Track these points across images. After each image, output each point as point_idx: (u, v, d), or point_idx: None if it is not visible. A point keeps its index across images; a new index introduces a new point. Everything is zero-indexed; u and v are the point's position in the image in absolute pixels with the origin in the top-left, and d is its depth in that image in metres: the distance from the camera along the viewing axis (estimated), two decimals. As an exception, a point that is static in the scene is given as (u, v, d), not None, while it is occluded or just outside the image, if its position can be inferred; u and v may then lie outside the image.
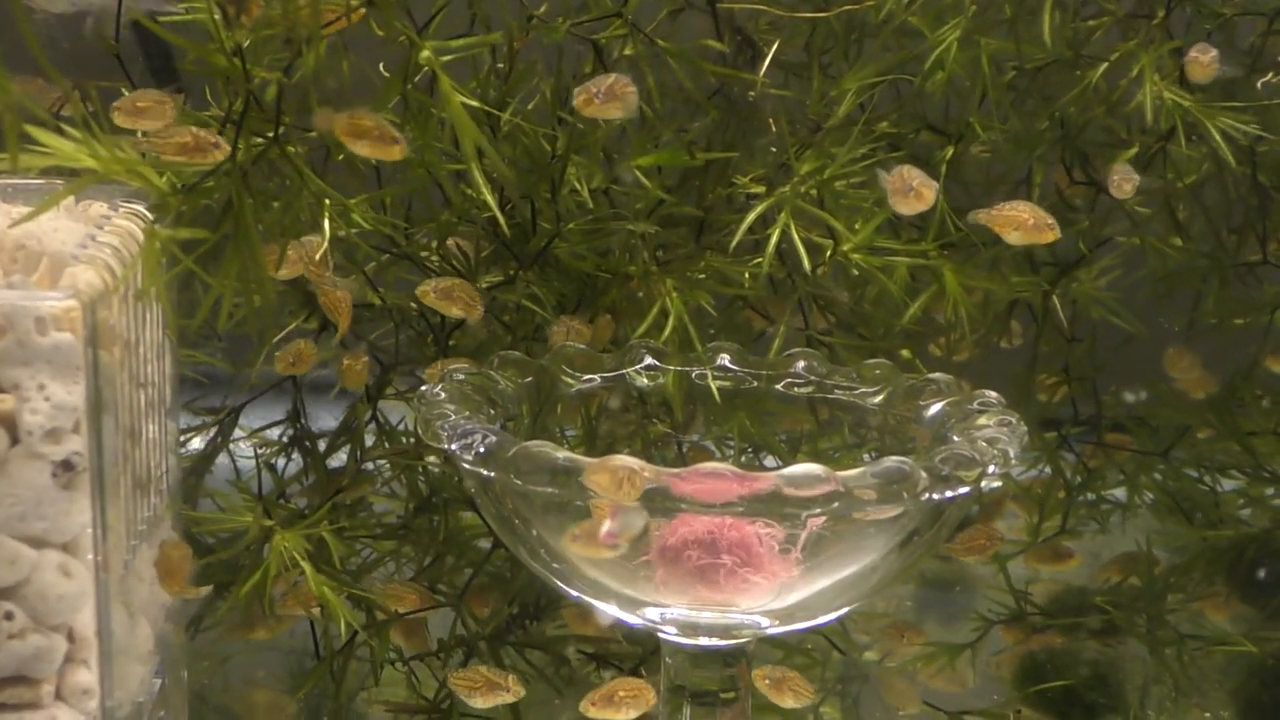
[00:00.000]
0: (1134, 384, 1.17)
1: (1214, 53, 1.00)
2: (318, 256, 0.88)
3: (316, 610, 0.97)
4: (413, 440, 1.02)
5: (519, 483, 0.85)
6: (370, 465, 1.05)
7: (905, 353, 1.10)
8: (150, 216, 0.86)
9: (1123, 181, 1.01)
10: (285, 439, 1.07)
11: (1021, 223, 0.97)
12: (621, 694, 0.93)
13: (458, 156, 0.94)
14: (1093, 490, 1.16)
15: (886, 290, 1.04)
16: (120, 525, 0.83)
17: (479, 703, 0.93)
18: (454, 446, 0.87)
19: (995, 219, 0.97)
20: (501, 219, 0.93)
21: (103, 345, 0.79)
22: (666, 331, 0.98)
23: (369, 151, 0.87)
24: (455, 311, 0.94)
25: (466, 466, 0.88)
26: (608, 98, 0.91)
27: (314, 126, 0.87)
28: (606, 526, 0.84)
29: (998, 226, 0.98)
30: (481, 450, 0.86)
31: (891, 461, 0.85)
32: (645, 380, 0.99)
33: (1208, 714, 1.04)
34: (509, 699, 0.92)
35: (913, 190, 0.96)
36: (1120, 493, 1.16)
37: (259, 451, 1.06)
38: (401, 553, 1.04)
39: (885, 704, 1.06)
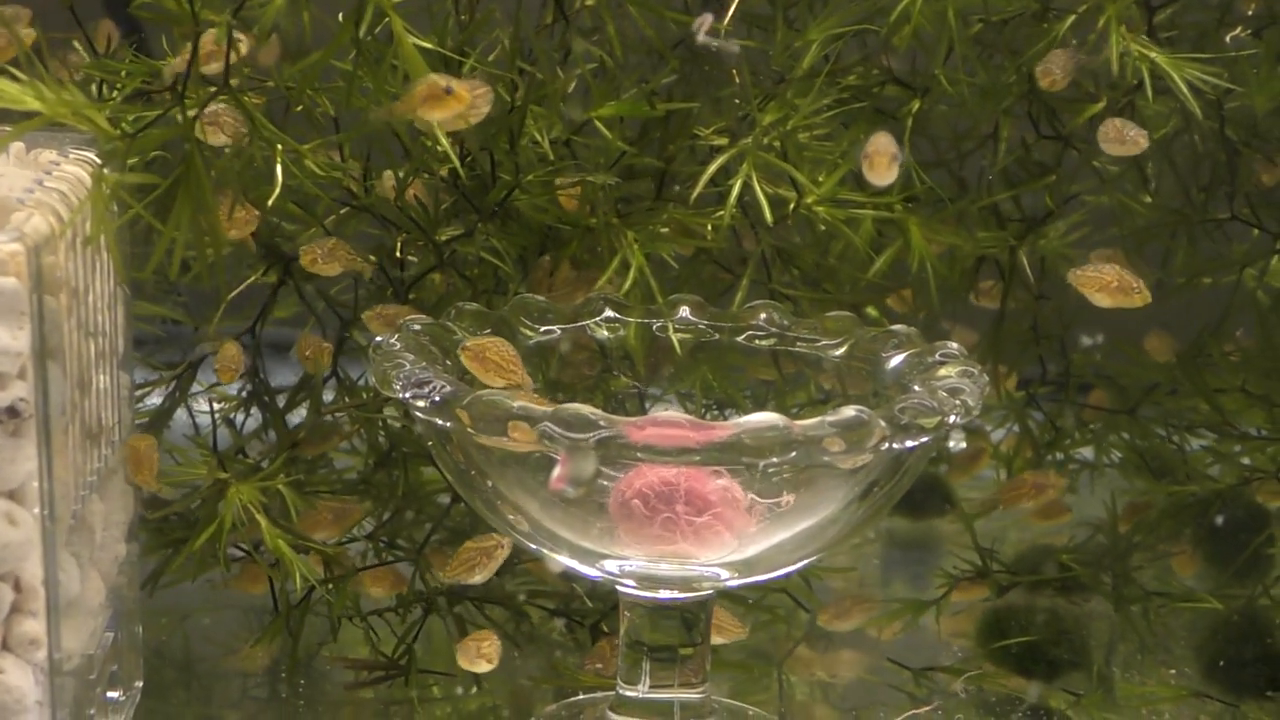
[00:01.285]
0: (1102, 342, 1.16)
1: None
2: (269, 203, 0.87)
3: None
4: (372, 395, 1.01)
5: (473, 433, 0.84)
6: (334, 419, 1.04)
7: (871, 310, 1.09)
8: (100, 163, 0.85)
9: (1134, 135, 1.00)
10: (244, 394, 1.06)
11: (1105, 284, 0.98)
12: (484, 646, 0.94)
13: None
14: (1060, 449, 1.15)
15: (852, 244, 1.03)
16: (68, 475, 0.82)
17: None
18: (408, 396, 0.86)
19: (1081, 279, 0.98)
20: (460, 169, 0.91)
21: (49, 291, 0.78)
22: (628, 284, 0.97)
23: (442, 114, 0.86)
24: (333, 271, 0.93)
25: (422, 417, 0.87)
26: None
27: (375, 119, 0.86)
28: (557, 471, 0.83)
29: (1083, 286, 0.98)
30: (436, 400, 0.85)
31: (850, 411, 0.84)
32: (605, 332, 0.98)
33: (1173, 670, 1.03)
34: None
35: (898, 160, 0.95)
36: (1089, 451, 1.16)
37: (216, 407, 1.05)
38: (361, 508, 1.03)
39: (850, 661, 1.05)
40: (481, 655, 0.93)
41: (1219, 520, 1.08)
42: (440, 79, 0.85)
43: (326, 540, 0.99)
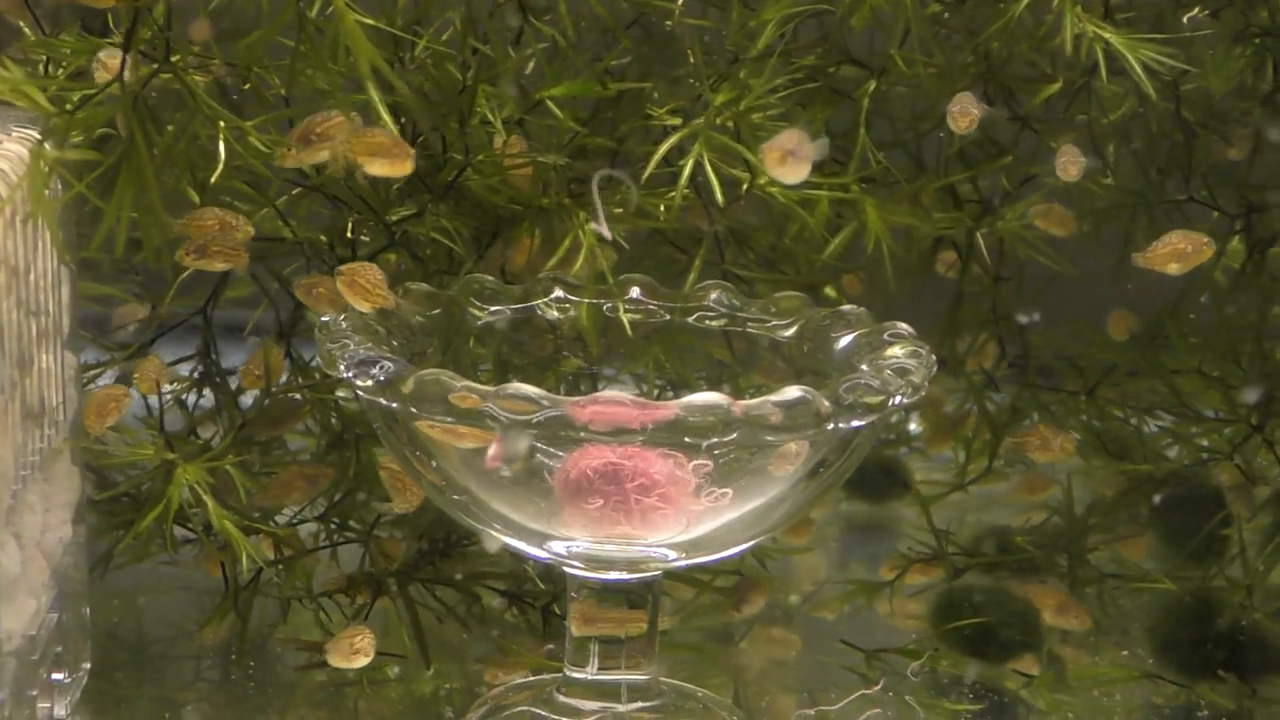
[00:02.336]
0: (1061, 324, 1.16)
1: None
2: (213, 180, 0.87)
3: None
4: (323, 376, 1.01)
5: (415, 411, 0.84)
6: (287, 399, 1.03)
7: (829, 290, 1.09)
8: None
9: (1069, 164, 1.00)
10: (196, 375, 1.06)
11: (1179, 252, 0.98)
12: (357, 643, 0.93)
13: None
14: (1019, 431, 1.15)
15: (807, 226, 1.03)
16: (8, 454, 0.82)
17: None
18: (352, 375, 0.86)
19: (1154, 258, 0.98)
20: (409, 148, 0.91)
21: (-14, 268, 0.78)
22: (578, 264, 0.97)
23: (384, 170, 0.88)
24: (218, 266, 0.93)
25: (367, 397, 0.87)
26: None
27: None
28: (492, 450, 0.83)
29: (1157, 264, 0.98)
30: (381, 380, 0.85)
31: (794, 390, 0.84)
32: (556, 313, 0.98)
33: (1126, 652, 1.03)
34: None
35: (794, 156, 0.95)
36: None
37: (168, 388, 1.04)
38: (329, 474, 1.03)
39: (805, 643, 1.05)
40: (356, 650, 0.93)
41: (1175, 502, 1.08)
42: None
43: (298, 504, 0.99)
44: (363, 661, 0.94)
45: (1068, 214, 1.08)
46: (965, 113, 0.98)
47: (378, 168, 0.87)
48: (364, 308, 0.90)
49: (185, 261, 0.91)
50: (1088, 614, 1.03)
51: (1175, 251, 0.98)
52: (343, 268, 0.91)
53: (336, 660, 0.94)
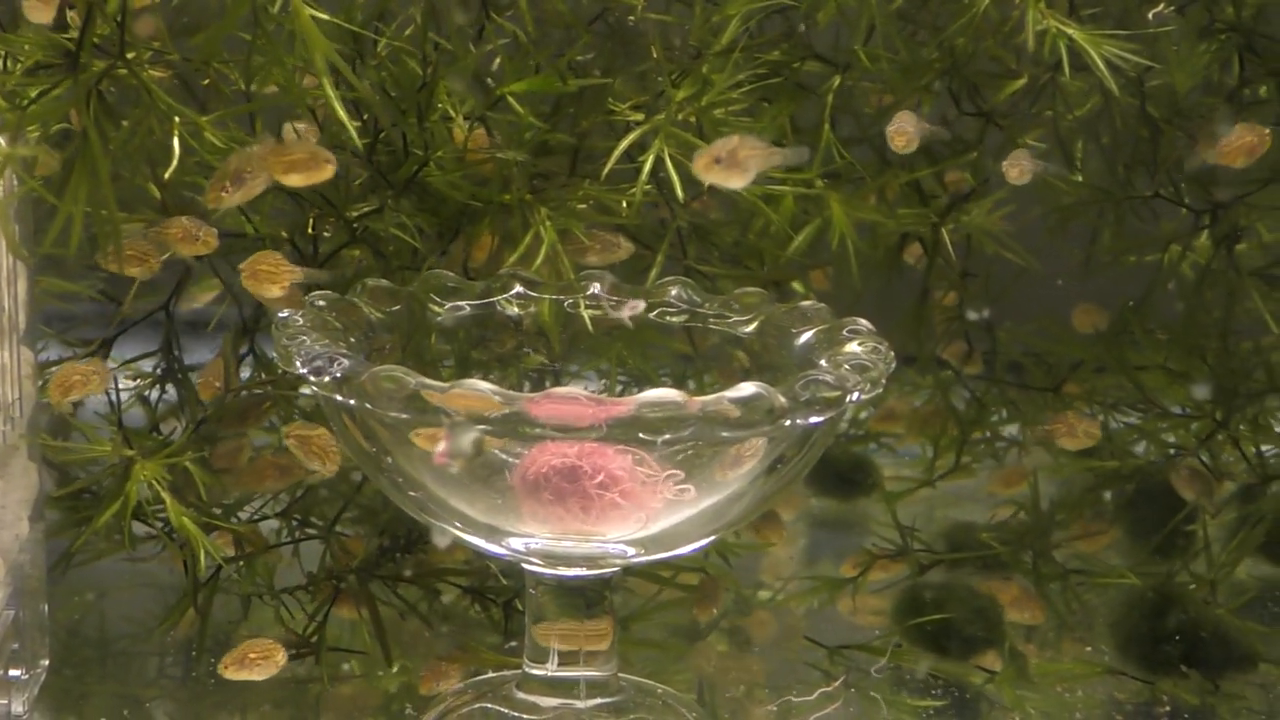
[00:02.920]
0: (1029, 320, 1.16)
1: None
2: (166, 175, 0.86)
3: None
4: (283, 372, 1.00)
5: (370, 407, 0.84)
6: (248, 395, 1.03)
7: (796, 285, 1.09)
8: (-4, 136, 0.84)
9: (1010, 167, 1.00)
10: (158, 371, 1.05)
11: (1249, 147, 0.99)
12: (252, 655, 0.92)
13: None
14: (986, 427, 1.15)
15: (772, 222, 1.02)
16: (-39, 450, 0.81)
17: None
18: (308, 372, 0.86)
19: (1225, 153, 0.99)
20: (357, 141, 0.91)
21: (-64, 264, 0.78)
22: (539, 260, 0.97)
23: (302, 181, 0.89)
24: (135, 272, 0.93)
25: (323, 393, 0.86)
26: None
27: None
28: (440, 446, 0.83)
29: (1228, 159, 0.99)
30: (337, 376, 0.85)
31: (750, 387, 0.83)
32: (516, 309, 0.97)
33: (1089, 647, 1.03)
34: None
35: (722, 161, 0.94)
36: (1015, 429, 1.15)
37: (130, 384, 1.04)
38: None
39: (770, 637, 1.05)
40: (249, 665, 0.93)
41: (1140, 497, 1.08)
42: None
43: (271, 493, 0.99)
44: (261, 675, 0.93)
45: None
46: (901, 132, 0.97)
47: (295, 180, 0.87)
48: (276, 292, 0.90)
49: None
50: (1042, 609, 1.03)
51: (1245, 146, 0.99)
52: (241, 265, 0.91)
53: (230, 672, 0.93)
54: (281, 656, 0.93)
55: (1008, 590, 1.03)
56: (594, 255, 0.99)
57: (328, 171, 0.88)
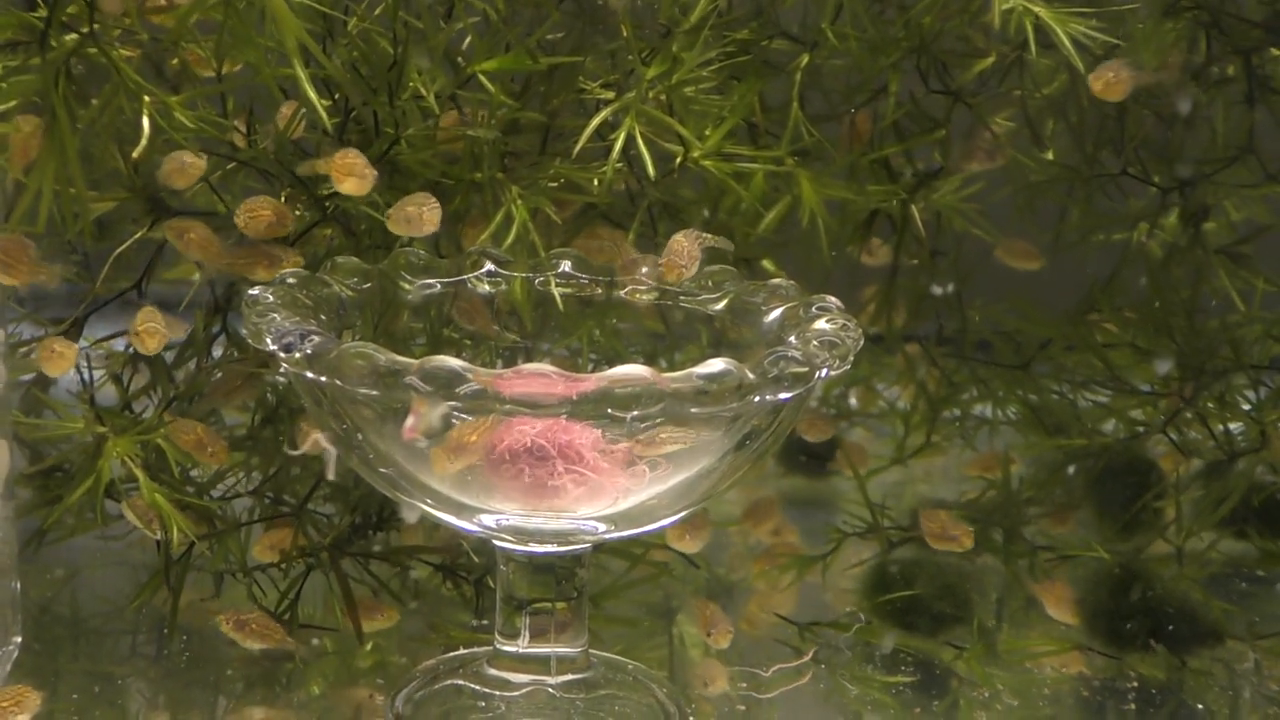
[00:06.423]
0: (998, 299, 1.16)
1: None
2: (135, 154, 0.87)
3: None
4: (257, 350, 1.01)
5: (340, 384, 0.84)
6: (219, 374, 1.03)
7: (766, 263, 1.09)
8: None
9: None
10: (130, 351, 1.05)
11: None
12: (4, 704, 0.90)
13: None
14: (957, 405, 1.16)
15: (742, 199, 1.03)
16: (-68, 428, 0.81)
17: None
18: (278, 349, 0.86)
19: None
20: (327, 120, 0.91)
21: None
22: (510, 238, 0.97)
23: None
24: (12, 281, 0.92)
25: (293, 371, 0.87)
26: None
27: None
28: (409, 421, 0.83)
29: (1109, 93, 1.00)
30: (308, 353, 0.85)
31: (719, 363, 0.84)
32: (487, 287, 0.98)
33: (1062, 625, 1.03)
34: None
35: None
36: (986, 407, 1.16)
37: (99, 362, 1.04)
38: (249, 463, 1.03)
39: (741, 616, 1.06)
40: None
41: (1108, 474, 1.08)
42: None
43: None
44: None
45: (1031, 249, 1.11)
46: (673, 265, 0.96)
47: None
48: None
49: None
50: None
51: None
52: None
53: None
54: (36, 701, 0.90)
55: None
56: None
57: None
